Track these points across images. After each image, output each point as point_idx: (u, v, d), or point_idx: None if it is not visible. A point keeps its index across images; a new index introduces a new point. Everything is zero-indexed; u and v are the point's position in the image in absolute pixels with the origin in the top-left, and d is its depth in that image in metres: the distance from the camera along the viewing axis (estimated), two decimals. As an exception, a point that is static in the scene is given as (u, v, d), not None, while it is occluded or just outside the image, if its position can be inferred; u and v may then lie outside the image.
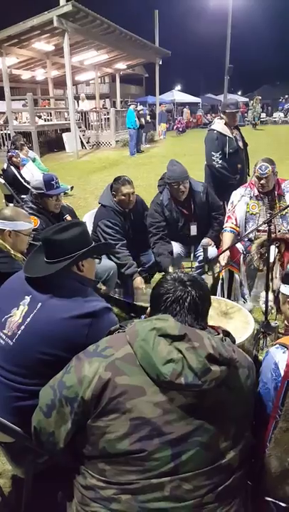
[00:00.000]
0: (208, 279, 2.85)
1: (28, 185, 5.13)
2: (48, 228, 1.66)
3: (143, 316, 1.35)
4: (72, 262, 1.51)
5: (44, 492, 1.41)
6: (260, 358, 2.27)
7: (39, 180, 2.86)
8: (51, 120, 15.58)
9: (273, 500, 1.19)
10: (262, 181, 2.93)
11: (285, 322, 2.23)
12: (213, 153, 4.05)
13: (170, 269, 2.93)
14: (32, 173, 6.23)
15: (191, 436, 1.02)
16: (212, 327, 1.20)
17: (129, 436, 1.01)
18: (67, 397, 1.09)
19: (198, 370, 1.00)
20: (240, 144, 4.17)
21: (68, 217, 3.02)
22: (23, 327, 1.41)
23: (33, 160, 7.13)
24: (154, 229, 3.14)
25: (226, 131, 4.05)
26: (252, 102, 22.43)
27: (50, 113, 16.10)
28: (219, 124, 4.12)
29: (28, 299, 1.46)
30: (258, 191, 3.02)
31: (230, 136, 4.04)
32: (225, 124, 4.07)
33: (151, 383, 1.03)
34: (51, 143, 14.74)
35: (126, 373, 1.05)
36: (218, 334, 1.16)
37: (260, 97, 22.99)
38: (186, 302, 1.13)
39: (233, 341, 1.18)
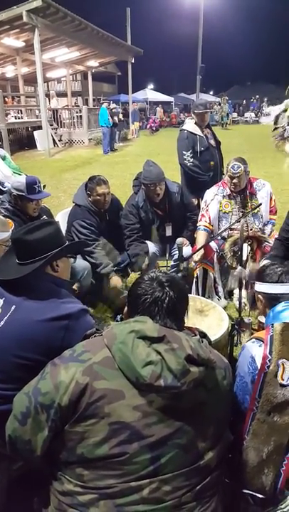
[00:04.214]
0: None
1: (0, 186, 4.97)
2: (19, 228, 1.61)
3: (119, 317, 1.34)
4: (46, 262, 1.48)
5: (19, 499, 1.38)
6: (235, 354, 2.32)
7: (21, 181, 2.72)
8: (22, 118, 15.26)
9: (251, 493, 1.22)
10: (234, 180, 2.98)
11: (258, 318, 2.28)
12: (184, 152, 4.10)
13: (145, 263, 2.92)
14: (2, 172, 6.07)
15: (171, 438, 1.02)
16: (188, 328, 1.20)
17: (109, 441, 1.00)
18: (43, 404, 1.06)
19: (178, 371, 1.01)
20: (212, 142, 4.24)
21: (45, 218, 2.94)
22: None
23: (3, 158, 6.94)
24: (128, 231, 3.13)
25: (196, 130, 4.10)
26: (219, 101, 22.77)
27: (21, 110, 15.78)
28: (190, 124, 4.18)
29: (1, 301, 1.43)
30: (231, 190, 3.06)
31: (201, 134, 4.10)
32: (195, 123, 4.13)
33: (130, 386, 1.02)
34: (22, 141, 14.44)
35: (104, 377, 1.04)
36: (195, 335, 1.16)
37: (227, 97, 23.35)
38: (165, 303, 1.13)
39: (210, 342, 1.19)
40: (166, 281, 1.17)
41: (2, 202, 2.88)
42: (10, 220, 2.65)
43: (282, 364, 1.22)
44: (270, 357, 1.23)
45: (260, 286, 1.56)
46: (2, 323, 1.37)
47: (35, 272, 1.43)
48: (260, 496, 1.20)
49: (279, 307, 1.41)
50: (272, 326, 1.31)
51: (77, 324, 1.37)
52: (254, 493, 1.21)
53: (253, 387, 1.25)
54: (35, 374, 1.15)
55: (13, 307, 1.39)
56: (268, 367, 1.23)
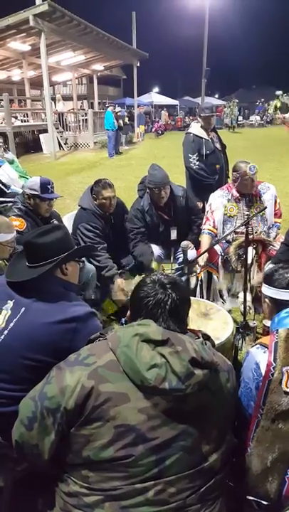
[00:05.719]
0: (192, 280, 2.88)
1: (4, 188, 5.01)
2: (29, 232, 1.64)
3: (123, 319, 1.35)
4: (56, 265, 1.50)
5: (24, 500, 1.38)
6: (240, 358, 2.31)
7: (35, 181, 2.77)
8: (28, 121, 15.38)
9: (255, 499, 1.21)
10: (245, 181, 2.96)
11: (264, 322, 2.28)
12: (190, 155, 4.12)
13: (153, 265, 2.93)
14: (9, 175, 6.10)
15: (175, 440, 1.02)
16: (192, 330, 1.21)
17: (114, 444, 1.01)
18: (49, 408, 1.07)
19: (182, 374, 1.01)
20: (218, 145, 4.25)
21: (55, 223, 2.97)
22: (6, 332, 1.39)
23: (11, 162, 6.97)
24: (133, 235, 3.15)
25: (202, 133, 4.12)
26: (229, 104, 22.81)
27: (27, 114, 15.88)
28: (196, 127, 4.20)
29: (10, 303, 1.44)
30: (238, 191, 3.06)
31: (207, 138, 4.12)
32: (201, 126, 4.15)
33: (135, 389, 1.03)
34: (28, 144, 14.53)
35: (109, 380, 1.04)
36: (198, 338, 1.17)
37: (236, 100, 23.40)
38: (167, 305, 1.13)
39: (213, 345, 1.19)
40: (168, 284, 1.17)
41: (15, 202, 2.93)
42: (22, 219, 2.69)
43: (287, 372, 1.21)
44: (274, 364, 1.22)
45: (267, 290, 1.54)
46: (12, 324, 1.39)
47: (44, 274, 1.45)
48: (266, 502, 1.19)
49: (284, 313, 1.40)
50: (277, 332, 1.30)
51: (86, 327, 1.39)
52: (258, 500, 1.20)
53: (257, 394, 1.25)
54: (42, 375, 1.16)
55: (23, 309, 1.41)
56: (272, 374, 1.22)
